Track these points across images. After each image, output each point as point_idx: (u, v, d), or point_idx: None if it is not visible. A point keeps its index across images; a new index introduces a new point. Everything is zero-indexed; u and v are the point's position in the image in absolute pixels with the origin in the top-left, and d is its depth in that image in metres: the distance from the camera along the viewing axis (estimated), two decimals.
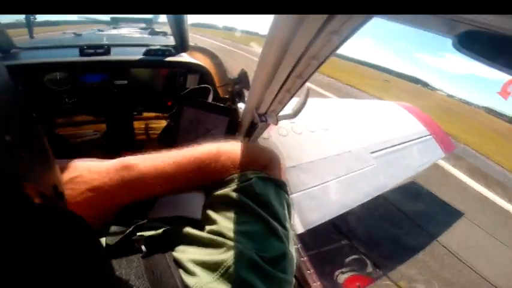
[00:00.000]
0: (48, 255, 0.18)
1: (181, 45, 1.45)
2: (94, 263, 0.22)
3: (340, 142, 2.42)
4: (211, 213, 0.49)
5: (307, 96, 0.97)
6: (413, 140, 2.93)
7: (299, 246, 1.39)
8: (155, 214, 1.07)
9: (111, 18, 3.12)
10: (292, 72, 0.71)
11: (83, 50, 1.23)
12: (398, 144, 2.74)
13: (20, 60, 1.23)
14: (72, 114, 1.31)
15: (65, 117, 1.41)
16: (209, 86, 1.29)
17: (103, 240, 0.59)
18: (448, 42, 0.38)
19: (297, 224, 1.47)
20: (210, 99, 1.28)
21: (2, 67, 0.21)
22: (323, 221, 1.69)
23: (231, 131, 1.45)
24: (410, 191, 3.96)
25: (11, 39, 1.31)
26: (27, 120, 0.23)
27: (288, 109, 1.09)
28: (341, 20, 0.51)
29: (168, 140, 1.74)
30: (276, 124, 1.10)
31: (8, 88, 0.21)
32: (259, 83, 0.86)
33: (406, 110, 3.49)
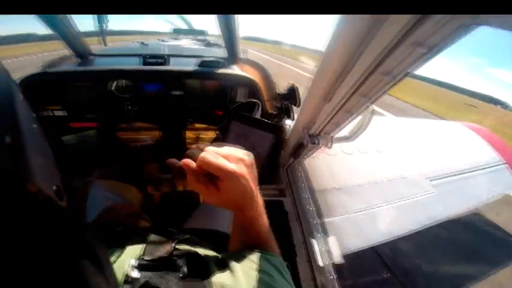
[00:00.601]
0: (48, 256, 0.18)
1: (232, 57, 1.47)
2: (94, 264, 0.22)
3: (394, 166, 2.19)
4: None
5: (370, 118, 0.83)
6: (482, 167, 2.46)
7: (334, 276, 1.25)
8: (191, 223, 1.06)
9: (173, 29, 3.47)
10: (357, 90, 0.59)
11: (145, 59, 1.31)
12: (464, 172, 2.34)
13: (94, 67, 1.36)
14: (132, 121, 1.42)
15: (127, 123, 1.56)
16: (258, 101, 1.24)
17: (142, 246, 0.58)
18: None
19: (334, 248, 1.31)
20: (257, 115, 1.23)
21: (2, 66, 0.21)
22: (363, 248, 1.54)
23: (275, 149, 1.38)
24: (473, 222, 3.22)
25: (88, 46, 1.46)
26: (28, 121, 0.23)
27: (344, 130, 0.96)
28: (431, 28, 0.39)
29: None
30: (330, 147, 0.97)
31: (8, 88, 0.21)
32: (313, 100, 0.77)
33: (474, 132, 2.95)
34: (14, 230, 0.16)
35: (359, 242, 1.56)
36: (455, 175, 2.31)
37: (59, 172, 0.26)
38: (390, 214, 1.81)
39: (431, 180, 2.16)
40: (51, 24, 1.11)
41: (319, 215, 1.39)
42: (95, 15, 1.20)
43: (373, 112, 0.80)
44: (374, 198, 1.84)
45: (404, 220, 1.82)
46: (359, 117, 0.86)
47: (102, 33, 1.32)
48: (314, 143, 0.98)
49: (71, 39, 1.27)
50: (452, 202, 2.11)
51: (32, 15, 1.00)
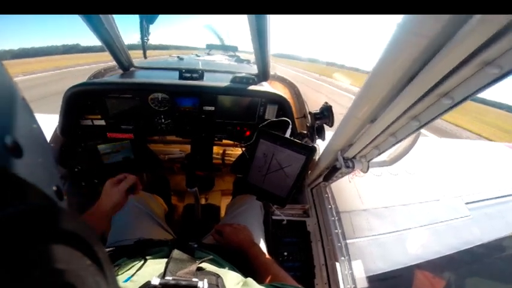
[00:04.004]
0: (48, 255, 0.18)
1: (263, 74, 1.46)
2: (94, 264, 0.22)
3: (426, 189, 2.09)
4: None
5: (414, 142, 0.76)
6: None
7: None
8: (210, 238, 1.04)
9: (207, 45, 3.64)
10: (406, 112, 0.55)
11: (181, 73, 1.33)
12: (504, 196, 2.21)
13: (134, 79, 1.40)
14: (164, 134, 1.46)
15: (159, 136, 1.61)
16: (288, 120, 1.22)
17: (165, 262, 0.56)
18: None
19: (358, 272, 1.24)
20: (288, 134, 1.21)
21: (2, 67, 0.21)
22: (386, 271, 1.50)
23: (306, 170, 1.33)
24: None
25: (131, 59, 1.53)
26: (28, 121, 0.23)
27: (383, 154, 0.90)
28: (504, 47, 0.35)
29: (241, 169, 1.75)
30: (366, 172, 0.91)
31: (8, 88, 0.21)
32: (353, 121, 0.73)
33: None
34: (14, 230, 0.16)
35: (383, 264, 1.51)
36: (494, 199, 2.20)
37: (58, 172, 0.26)
38: (420, 237, 1.75)
39: (467, 204, 2.07)
40: (100, 35, 1.18)
41: (344, 238, 1.32)
42: (138, 29, 1.27)
43: (419, 136, 0.74)
44: (403, 221, 1.79)
45: (435, 243, 1.76)
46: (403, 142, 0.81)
47: (143, 47, 1.40)
48: (348, 167, 0.92)
49: (116, 50, 1.36)
50: (489, 226, 2.01)
51: (86, 28, 1.10)
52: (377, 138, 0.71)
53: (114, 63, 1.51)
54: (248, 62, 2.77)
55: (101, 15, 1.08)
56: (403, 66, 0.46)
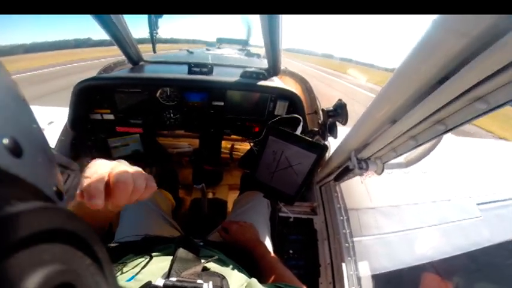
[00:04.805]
0: (48, 254, 0.18)
1: (274, 68, 1.42)
2: (94, 263, 0.21)
3: (438, 188, 2.05)
4: None
5: (434, 147, 0.72)
6: None
7: None
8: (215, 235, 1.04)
9: (217, 38, 3.58)
10: (433, 115, 0.51)
11: (190, 68, 1.31)
12: None
13: (144, 74, 1.40)
14: (173, 129, 1.44)
15: (167, 130, 1.60)
16: (299, 117, 1.19)
17: (170, 261, 0.56)
18: None
19: (364, 273, 1.23)
20: (298, 131, 1.18)
21: (2, 67, 0.21)
22: (391, 269, 1.49)
23: (316, 169, 1.30)
24: None
25: (141, 53, 1.52)
26: (29, 120, 0.23)
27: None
28: None
29: (249, 165, 1.74)
30: (380, 174, 0.87)
31: (8, 88, 0.21)
32: (371, 121, 0.69)
33: None
34: (13, 230, 0.15)
35: (388, 263, 1.50)
36: (507, 200, 2.15)
37: (58, 172, 0.26)
38: (428, 237, 1.73)
39: (478, 204, 2.03)
40: (109, 31, 1.17)
41: (351, 237, 1.31)
42: (147, 23, 1.24)
43: (440, 140, 0.70)
44: (411, 220, 1.77)
45: (443, 244, 1.74)
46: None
47: (152, 41, 1.37)
48: (362, 168, 0.89)
49: (125, 45, 1.34)
50: (501, 228, 1.97)
51: (95, 23, 1.08)
52: (396, 140, 0.68)
53: (123, 57, 1.50)
54: (258, 56, 2.71)
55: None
56: (436, 66, 0.42)
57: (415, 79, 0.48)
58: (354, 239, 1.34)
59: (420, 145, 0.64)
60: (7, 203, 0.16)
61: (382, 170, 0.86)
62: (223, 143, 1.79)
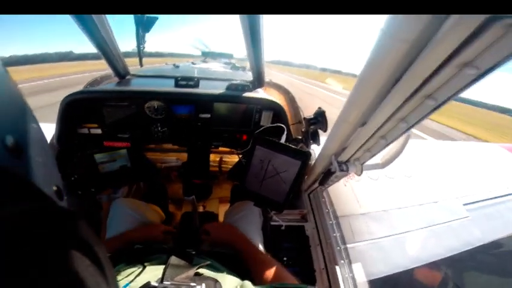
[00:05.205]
0: (47, 256, 0.18)
1: (258, 80, 1.48)
2: (94, 263, 0.21)
3: (424, 191, 2.12)
4: None
5: (405, 144, 0.78)
6: None
7: None
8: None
9: (202, 52, 3.65)
10: (394, 115, 0.57)
11: (177, 81, 1.35)
12: (503, 196, 2.24)
13: (131, 87, 1.40)
14: (161, 143, 1.45)
15: (155, 144, 1.61)
16: (283, 126, 1.24)
17: (163, 268, 0.56)
18: None
19: (359, 275, 1.24)
20: (283, 140, 1.22)
21: (2, 68, 0.22)
22: (388, 274, 1.50)
23: (302, 175, 1.34)
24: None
25: (127, 67, 1.54)
26: (28, 120, 0.23)
27: (376, 157, 0.91)
28: (479, 47, 0.37)
29: (238, 176, 1.76)
30: (359, 175, 0.92)
31: (9, 89, 0.21)
32: (344, 125, 0.75)
33: None
34: (13, 230, 0.15)
35: (384, 267, 1.52)
36: (492, 199, 2.22)
37: (59, 172, 0.26)
38: (420, 240, 1.76)
39: (465, 205, 2.10)
40: (97, 44, 1.19)
41: (343, 241, 1.33)
42: (134, 37, 1.27)
43: (409, 138, 0.76)
44: (402, 224, 1.80)
45: (435, 245, 1.76)
46: (392, 144, 0.82)
47: (139, 55, 1.40)
48: (343, 170, 0.94)
49: (113, 59, 1.36)
50: (489, 227, 2.02)
51: (83, 36, 1.11)
52: (368, 141, 0.73)
53: (110, 71, 1.52)
54: (244, 69, 2.80)
55: (97, 23, 1.09)
56: (388, 71, 0.48)
57: (373, 83, 0.53)
58: (348, 245, 1.36)
59: (390, 143, 0.69)
60: (8, 202, 0.16)
61: (362, 171, 0.90)
62: (212, 156, 1.82)
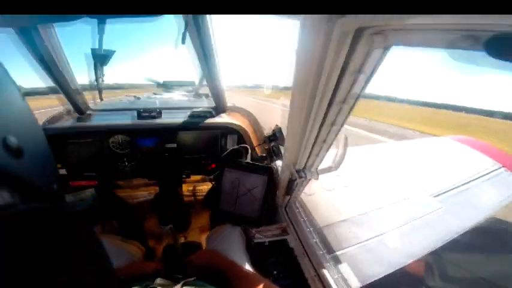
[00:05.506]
0: (47, 255, 0.17)
1: (220, 106, 1.55)
2: (94, 263, 0.21)
3: (395, 190, 2.21)
4: None
5: (345, 144, 0.89)
6: (482, 175, 2.54)
7: None
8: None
9: (163, 82, 3.60)
10: (324, 121, 0.68)
11: (140, 113, 1.36)
12: (467, 183, 2.40)
13: (92, 122, 1.35)
14: (130, 178, 1.43)
15: (124, 180, 1.56)
16: (247, 146, 1.32)
17: None
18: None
19: (348, 274, 1.25)
20: (248, 159, 1.30)
21: (3, 71, 0.22)
22: (386, 274, 1.48)
23: (270, 190, 1.40)
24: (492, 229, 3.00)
25: (87, 102, 1.47)
26: (29, 122, 0.23)
27: (328, 161, 1.02)
28: (361, 56, 0.49)
29: (212, 202, 1.76)
30: (317, 179, 1.01)
31: (9, 91, 0.21)
32: (292, 137, 0.84)
33: (464, 144, 3.12)
34: (13, 230, 0.16)
35: (381, 268, 1.51)
36: (459, 187, 2.35)
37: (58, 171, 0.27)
38: (405, 236, 1.78)
39: (435, 196, 2.20)
40: (54, 79, 1.15)
41: (327, 247, 1.36)
42: (92, 70, 1.21)
43: (347, 138, 0.88)
44: (383, 224, 1.84)
45: (422, 239, 1.79)
46: (338, 149, 0.94)
47: (98, 89, 1.33)
48: (302, 177, 1.02)
49: (72, 94, 1.32)
50: (465, 213, 2.10)
51: (40, 73, 1.08)
52: (314, 147, 0.83)
53: (68, 107, 1.45)
54: (207, 96, 2.84)
55: (55, 58, 1.07)
56: (307, 85, 0.60)
57: (301, 98, 0.64)
58: (338, 252, 1.39)
59: (331, 145, 0.80)
60: (8, 202, 0.16)
61: (318, 175, 1.00)
62: (185, 187, 1.82)
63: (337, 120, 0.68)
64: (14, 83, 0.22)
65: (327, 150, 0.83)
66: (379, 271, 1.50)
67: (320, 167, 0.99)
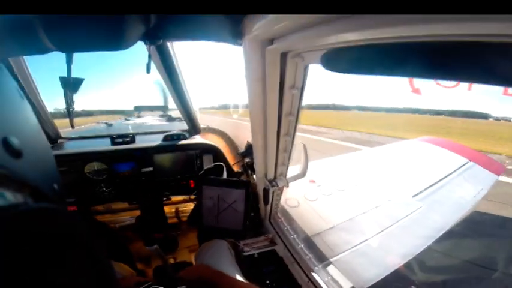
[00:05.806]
0: (46, 256, 0.18)
1: (194, 128, 1.59)
2: (93, 264, 0.21)
3: (376, 194, 2.31)
4: None
5: (305, 152, 0.97)
6: (454, 171, 2.72)
7: None
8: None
9: (135, 107, 3.55)
10: (279, 132, 0.76)
11: (113, 139, 1.36)
12: (441, 180, 2.56)
13: (65, 151, 1.33)
14: (109, 202, 1.42)
15: (104, 205, 1.54)
16: (222, 164, 1.37)
17: None
18: None
19: (336, 275, 1.29)
20: (224, 175, 1.35)
21: (4, 70, 0.22)
22: (384, 275, 1.53)
23: (250, 202, 1.45)
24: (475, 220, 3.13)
25: (58, 130, 1.45)
26: (29, 122, 0.24)
27: (296, 169, 1.09)
28: (291, 74, 0.58)
29: (196, 221, 1.76)
30: (287, 186, 1.08)
31: (9, 91, 0.22)
32: (258, 150, 0.92)
33: (432, 144, 3.36)
34: (13, 230, 0.16)
35: (377, 269, 1.56)
36: (435, 184, 2.50)
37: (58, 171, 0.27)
38: (394, 238, 1.84)
39: (414, 196, 2.32)
40: None
41: (317, 254, 1.38)
42: (61, 98, 1.21)
43: (305, 146, 0.96)
44: (371, 227, 1.90)
45: (413, 239, 1.86)
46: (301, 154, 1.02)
47: (69, 116, 1.35)
48: (274, 186, 1.08)
49: (42, 123, 1.30)
50: (444, 209, 2.22)
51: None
52: (278, 157, 0.90)
53: None
54: (180, 119, 2.86)
55: (23, 85, 1.06)
56: (258, 102, 0.68)
57: (256, 114, 0.73)
58: (332, 259, 1.43)
59: (291, 154, 0.88)
60: (8, 202, 0.16)
61: (288, 183, 1.06)
62: (167, 208, 1.81)
63: (290, 131, 0.76)
64: (14, 83, 0.23)
65: (289, 158, 0.90)
66: (377, 273, 1.55)
67: (289, 176, 1.06)
